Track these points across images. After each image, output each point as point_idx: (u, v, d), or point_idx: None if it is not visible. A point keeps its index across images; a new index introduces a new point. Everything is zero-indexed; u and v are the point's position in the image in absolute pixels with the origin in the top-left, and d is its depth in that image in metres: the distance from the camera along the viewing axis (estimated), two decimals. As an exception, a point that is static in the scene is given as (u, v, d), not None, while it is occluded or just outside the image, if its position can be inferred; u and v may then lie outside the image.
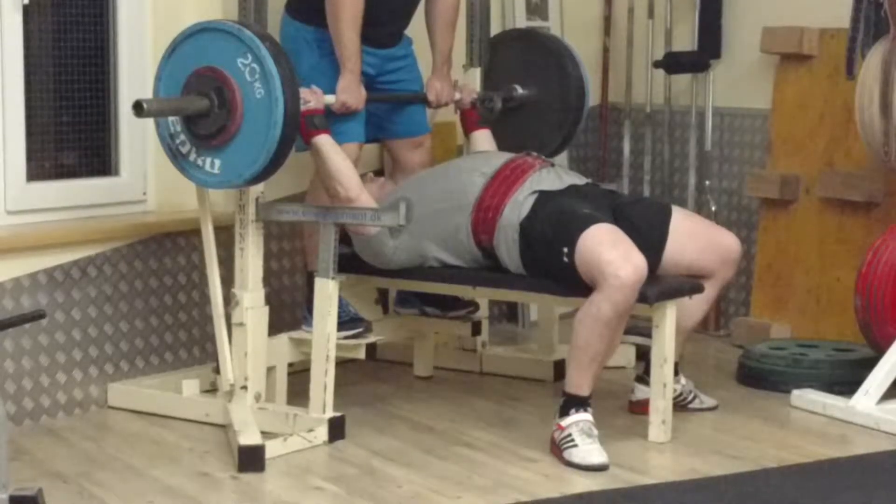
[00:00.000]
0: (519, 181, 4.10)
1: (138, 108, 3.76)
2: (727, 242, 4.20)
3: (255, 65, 3.77)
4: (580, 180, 4.22)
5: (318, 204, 4.21)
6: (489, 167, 4.18)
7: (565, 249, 3.89)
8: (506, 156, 4.29)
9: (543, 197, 4.05)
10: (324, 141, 4.09)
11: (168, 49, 3.95)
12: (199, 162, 3.91)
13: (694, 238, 4.15)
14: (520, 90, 4.76)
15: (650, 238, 4.07)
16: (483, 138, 4.60)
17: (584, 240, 3.87)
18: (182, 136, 3.92)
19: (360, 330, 4.29)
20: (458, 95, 4.60)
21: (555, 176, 4.16)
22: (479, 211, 4.10)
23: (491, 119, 4.68)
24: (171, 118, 3.91)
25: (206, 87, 3.83)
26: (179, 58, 3.91)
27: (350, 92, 4.19)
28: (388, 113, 4.49)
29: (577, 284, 3.89)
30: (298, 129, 3.89)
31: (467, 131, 4.66)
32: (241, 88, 3.80)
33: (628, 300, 3.80)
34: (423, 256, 4.19)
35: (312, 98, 4.06)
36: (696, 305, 4.16)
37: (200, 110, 3.83)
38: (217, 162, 3.88)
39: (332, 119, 4.17)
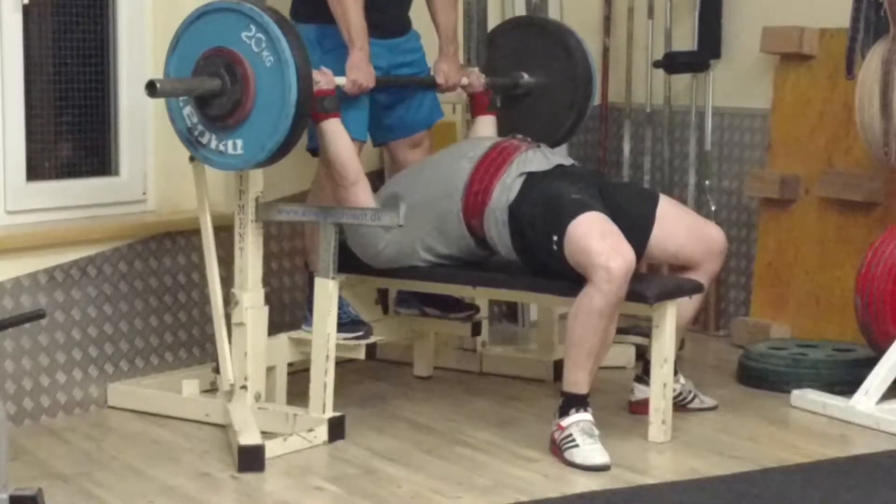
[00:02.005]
0: (506, 163, 4.11)
1: (151, 87, 3.73)
2: (713, 234, 4.21)
3: (260, 34, 3.75)
4: (566, 160, 4.23)
5: (320, 203, 4.21)
6: (475, 151, 4.18)
7: (555, 238, 3.90)
8: (492, 139, 4.30)
9: (531, 179, 4.06)
10: (332, 125, 4.08)
11: (172, 42, 3.92)
12: (221, 147, 3.87)
13: (680, 225, 4.16)
14: (526, 77, 4.73)
15: (637, 222, 4.07)
16: (484, 124, 4.58)
17: (573, 229, 3.88)
18: (200, 127, 3.88)
19: (361, 333, 4.29)
20: (465, 80, 4.59)
21: (541, 156, 4.17)
22: (468, 195, 4.10)
23: (496, 106, 4.66)
24: (185, 112, 3.88)
25: (216, 66, 3.80)
26: (184, 47, 3.89)
27: (360, 69, 4.16)
28: (389, 113, 4.47)
29: (566, 271, 3.89)
30: (312, 93, 3.83)
31: (474, 114, 4.64)
32: (250, 61, 3.77)
33: (619, 291, 3.81)
34: (412, 253, 4.19)
35: (322, 79, 4.03)
36: (688, 301, 4.16)
37: (213, 89, 3.80)
38: (238, 142, 3.84)
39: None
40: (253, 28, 3.77)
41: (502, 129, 4.58)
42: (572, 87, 4.67)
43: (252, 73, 3.78)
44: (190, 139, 3.93)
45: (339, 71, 4.16)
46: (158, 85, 3.74)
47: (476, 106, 4.63)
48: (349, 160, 4.11)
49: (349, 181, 4.11)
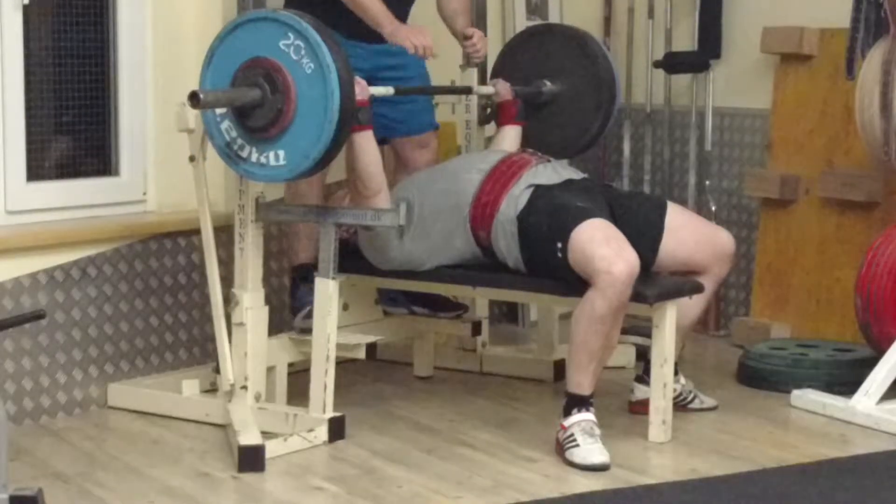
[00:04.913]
0: (515, 176, 4.12)
1: (194, 98, 3.67)
2: (721, 238, 4.22)
3: (298, 42, 3.71)
4: (577, 175, 4.24)
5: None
6: (486, 164, 4.19)
7: (559, 245, 3.91)
8: (502, 152, 4.31)
9: (539, 190, 4.07)
10: (364, 137, 4.05)
11: (206, 56, 3.86)
12: (263, 159, 3.81)
13: (689, 233, 4.16)
14: (549, 84, 4.73)
15: (647, 233, 4.08)
16: (510, 134, 4.58)
17: (576, 236, 3.88)
18: (239, 140, 3.82)
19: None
20: (492, 90, 4.60)
21: (551, 170, 4.17)
22: (476, 207, 4.11)
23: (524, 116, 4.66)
24: (223, 126, 3.83)
25: (255, 77, 3.75)
26: (220, 61, 3.83)
27: (410, 31, 4.17)
28: (394, 111, 4.47)
29: (572, 280, 3.90)
30: (355, 98, 3.78)
31: (500, 124, 4.63)
32: (290, 69, 3.72)
33: (621, 296, 3.81)
34: (420, 261, 4.19)
35: (357, 89, 3.91)
36: (693, 304, 4.17)
37: (254, 100, 3.74)
38: (281, 152, 3.78)
39: None
40: (291, 36, 3.72)
41: (527, 139, 4.58)
42: (596, 91, 4.66)
43: (292, 81, 3.72)
44: (229, 153, 3.86)
45: None
46: (202, 95, 3.68)
47: (504, 115, 4.62)
48: (377, 173, 4.09)
49: (371, 191, 4.09)
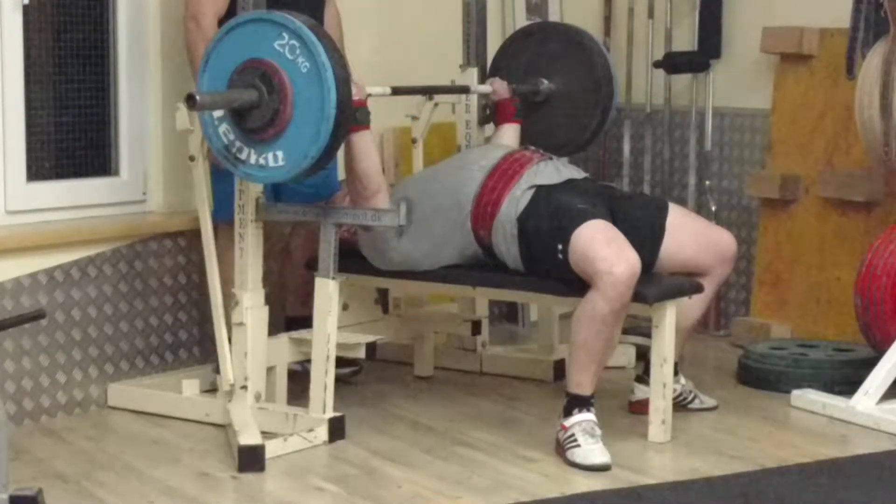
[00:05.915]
0: (517, 175, 4.11)
1: (191, 100, 3.66)
2: (723, 240, 4.22)
3: (293, 41, 3.69)
4: (578, 174, 4.24)
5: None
6: (487, 160, 4.18)
7: (560, 246, 3.91)
8: (504, 149, 4.30)
9: (540, 192, 4.06)
10: (363, 137, 4.04)
11: (202, 60, 3.85)
12: (262, 161, 3.79)
13: (690, 234, 4.16)
14: (546, 83, 4.73)
15: (647, 234, 4.08)
16: (508, 132, 4.59)
17: (577, 237, 3.88)
18: (238, 143, 3.80)
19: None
20: (490, 88, 4.61)
21: (553, 169, 4.17)
22: (478, 206, 4.11)
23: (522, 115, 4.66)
24: (221, 129, 3.81)
25: (251, 78, 3.73)
26: (215, 64, 3.81)
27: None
28: (303, 185, 4.27)
29: (573, 281, 3.90)
30: (351, 95, 3.76)
31: (498, 122, 4.64)
32: (286, 69, 3.70)
33: (623, 297, 3.81)
34: (420, 260, 4.19)
35: (354, 89, 3.90)
36: (695, 304, 4.17)
37: (251, 101, 3.73)
38: (279, 153, 3.76)
39: None
40: (286, 35, 3.70)
41: (525, 137, 4.58)
42: (594, 88, 4.66)
43: (288, 81, 3.70)
44: (228, 156, 3.84)
45: None
46: (199, 98, 3.67)
47: (501, 114, 4.62)
48: (376, 173, 4.08)
49: (370, 192, 4.08)
